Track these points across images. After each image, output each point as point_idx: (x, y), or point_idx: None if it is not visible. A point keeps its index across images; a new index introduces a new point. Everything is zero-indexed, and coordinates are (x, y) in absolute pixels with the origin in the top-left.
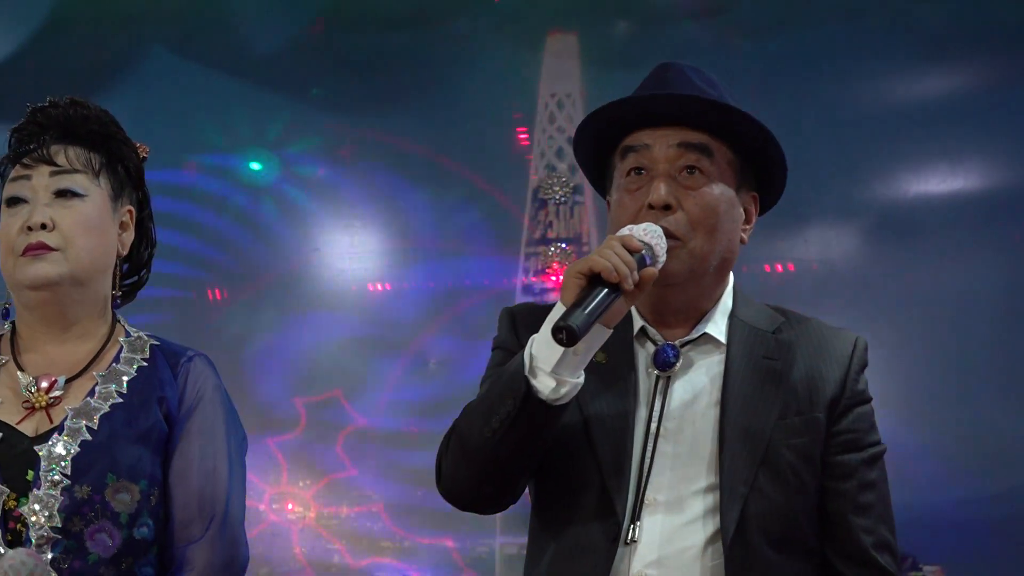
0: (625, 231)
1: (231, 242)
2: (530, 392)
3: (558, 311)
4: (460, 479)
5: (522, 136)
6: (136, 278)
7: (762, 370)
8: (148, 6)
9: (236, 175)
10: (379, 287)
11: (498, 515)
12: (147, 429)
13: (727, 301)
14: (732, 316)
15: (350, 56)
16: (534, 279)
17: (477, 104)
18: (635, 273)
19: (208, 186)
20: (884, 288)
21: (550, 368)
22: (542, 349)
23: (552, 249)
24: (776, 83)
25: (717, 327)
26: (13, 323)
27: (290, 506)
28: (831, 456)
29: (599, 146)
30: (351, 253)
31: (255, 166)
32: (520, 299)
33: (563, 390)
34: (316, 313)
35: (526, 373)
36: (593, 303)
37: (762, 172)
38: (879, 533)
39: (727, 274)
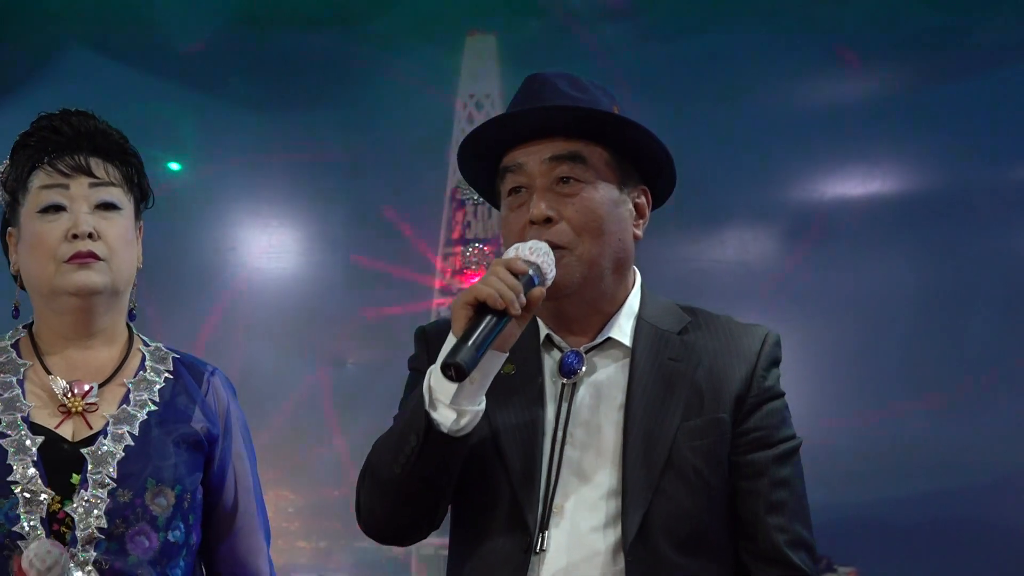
0: (511, 252)
1: (147, 241)
2: (431, 426)
3: (449, 343)
4: (377, 515)
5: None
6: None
7: (666, 372)
8: (65, 3)
9: (153, 174)
10: (296, 287)
11: None
12: (181, 436)
13: (633, 303)
14: (639, 318)
15: (269, 55)
16: (452, 279)
17: (396, 104)
18: (521, 296)
19: None
20: (800, 289)
21: (449, 400)
22: (440, 381)
23: (469, 249)
24: (693, 85)
25: (622, 330)
26: (29, 327)
27: None
28: (740, 455)
29: (486, 166)
30: (268, 252)
31: (174, 166)
32: (437, 299)
33: (463, 421)
34: (233, 312)
35: (426, 407)
36: (481, 334)
37: (645, 165)
38: (793, 531)
39: (627, 273)
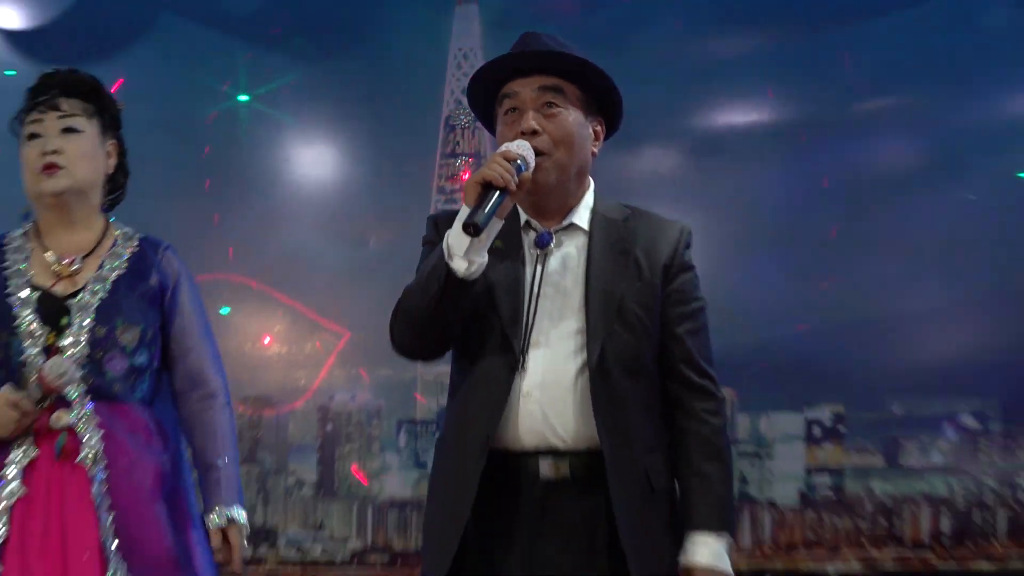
0: (503, 148)
1: (224, 153)
2: (450, 272)
3: (464, 212)
4: (407, 340)
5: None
6: (116, 195)
7: (615, 249)
8: None
9: (227, 106)
10: (333, 187)
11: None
12: (144, 290)
13: (589, 199)
14: (593, 211)
15: (309, 16)
16: (446, 183)
17: (405, 55)
18: (515, 177)
19: (194, 115)
20: (697, 192)
21: (462, 253)
22: (456, 240)
23: (458, 161)
24: (626, 39)
25: (581, 218)
26: (35, 221)
27: None
28: (667, 310)
29: (486, 96)
30: (312, 162)
31: (242, 98)
32: (435, 197)
33: (472, 268)
34: (287, 206)
35: (446, 259)
36: (489, 204)
37: (604, 102)
38: (701, 364)
39: (586, 178)
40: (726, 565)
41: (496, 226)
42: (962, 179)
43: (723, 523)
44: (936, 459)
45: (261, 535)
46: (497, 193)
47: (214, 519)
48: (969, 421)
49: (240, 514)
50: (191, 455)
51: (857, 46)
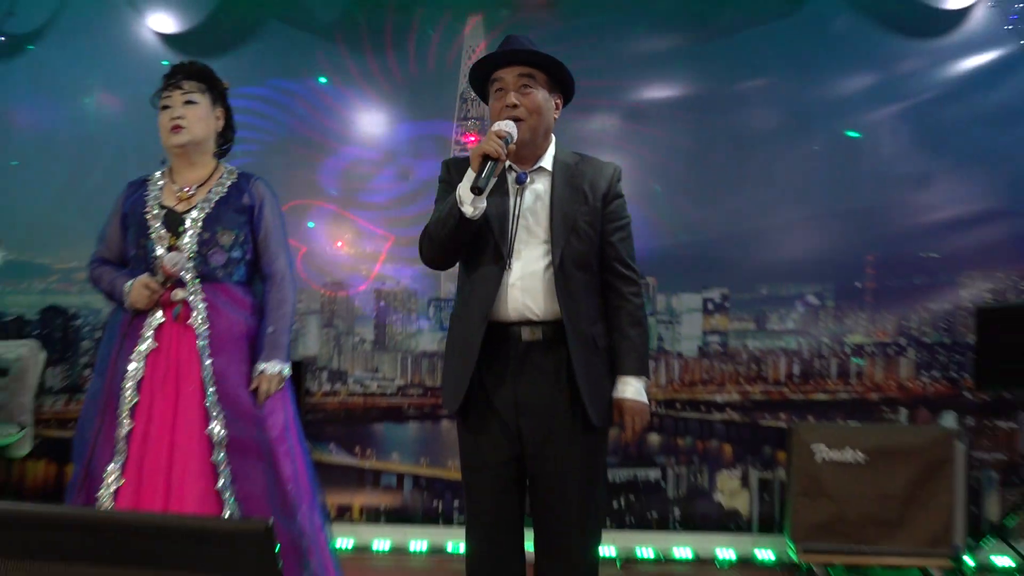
0: (495, 127)
1: (308, 111)
2: (462, 214)
3: (469, 177)
4: (431, 256)
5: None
6: (226, 146)
7: (570, 184)
8: None
9: (312, 85)
10: (385, 140)
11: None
12: (238, 207)
13: (552, 150)
14: (554, 158)
15: (371, 19)
16: (460, 138)
17: (433, 49)
18: (504, 149)
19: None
20: (626, 146)
21: (470, 203)
22: (464, 192)
23: (469, 123)
24: (583, 39)
25: (547, 163)
26: (168, 165)
27: None
28: (604, 225)
29: (482, 79)
30: (370, 117)
31: (322, 79)
32: (453, 148)
33: (476, 211)
34: (352, 154)
35: (459, 206)
36: (488, 170)
37: (562, 83)
38: (627, 261)
39: (550, 136)
40: (644, 398)
41: (492, 183)
42: (809, 136)
43: (642, 370)
44: (790, 325)
45: (336, 376)
46: (492, 163)
47: (254, 370)
48: (812, 299)
49: (271, 367)
50: None
51: (742, 45)
